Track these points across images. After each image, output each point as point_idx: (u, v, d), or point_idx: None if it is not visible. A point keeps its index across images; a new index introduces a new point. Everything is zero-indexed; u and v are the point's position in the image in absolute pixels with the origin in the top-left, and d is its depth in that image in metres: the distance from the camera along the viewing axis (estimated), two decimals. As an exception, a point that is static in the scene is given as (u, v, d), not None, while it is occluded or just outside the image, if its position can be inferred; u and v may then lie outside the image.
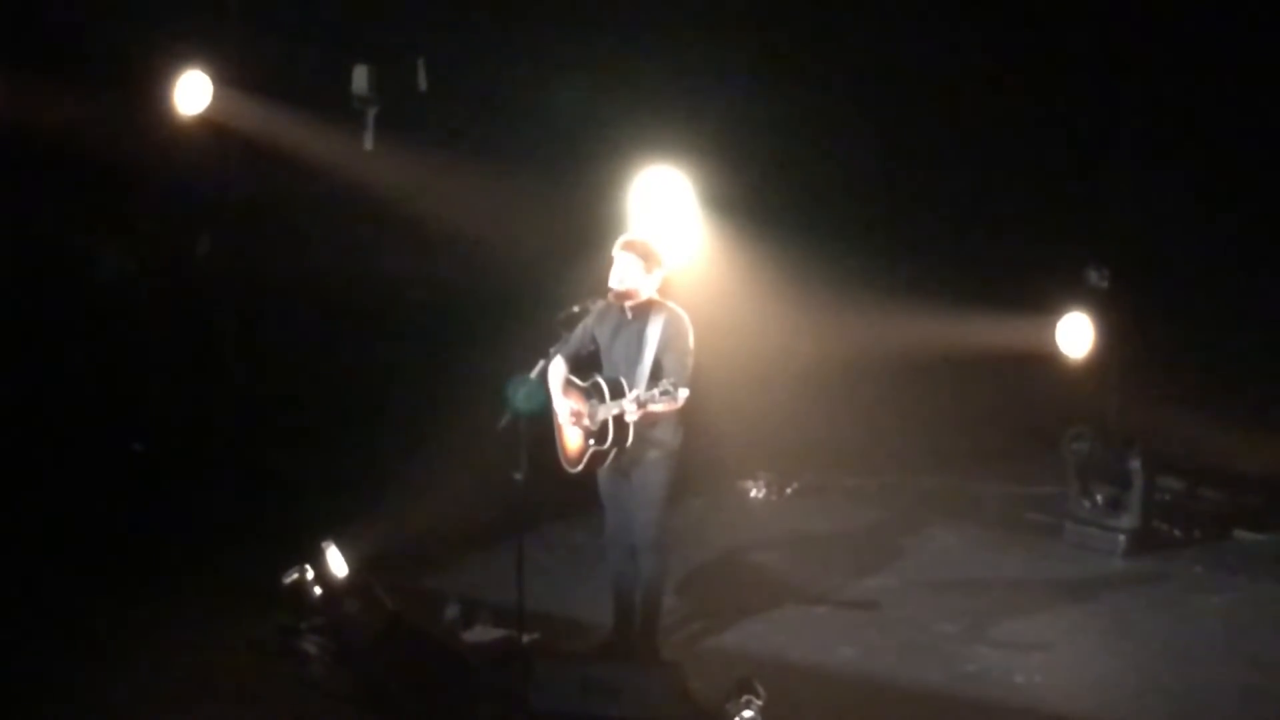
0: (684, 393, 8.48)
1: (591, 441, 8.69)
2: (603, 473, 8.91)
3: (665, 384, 8.37)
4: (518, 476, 8.67)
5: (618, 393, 8.59)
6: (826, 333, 12.06)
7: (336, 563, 9.68)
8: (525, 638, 8.90)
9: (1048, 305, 11.38)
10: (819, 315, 12.00)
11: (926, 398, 12.62)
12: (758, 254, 11.71)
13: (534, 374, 8.56)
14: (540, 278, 11.15)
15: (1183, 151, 11.92)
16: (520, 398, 8.51)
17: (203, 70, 11.45)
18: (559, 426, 8.92)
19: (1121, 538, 11.04)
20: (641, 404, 8.46)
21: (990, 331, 11.61)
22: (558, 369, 8.85)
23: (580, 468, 8.84)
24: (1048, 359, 11.37)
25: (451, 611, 9.57)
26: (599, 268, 8.91)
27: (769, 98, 12.29)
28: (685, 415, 8.80)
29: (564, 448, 8.92)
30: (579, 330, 8.87)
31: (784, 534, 11.55)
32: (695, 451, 9.20)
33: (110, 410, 11.76)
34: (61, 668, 8.81)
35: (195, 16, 11.54)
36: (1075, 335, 11.25)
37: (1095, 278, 11.28)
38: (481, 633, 9.39)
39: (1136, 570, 10.84)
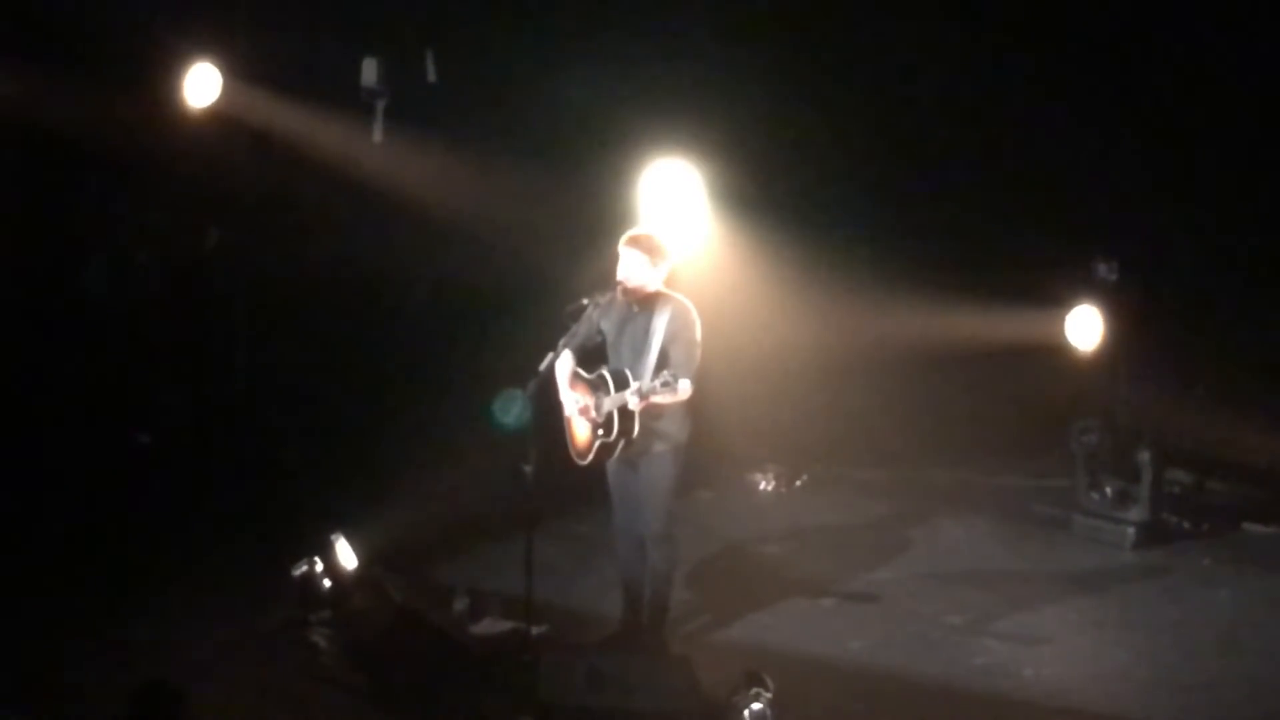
0: (685, 384, 8.48)
1: (599, 433, 8.69)
2: (611, 465, 8.92)
3: (666, 375, 8.37)
4: (526, 468, 8.67)
5: (622, 384, 8.60)
6: (835, 325, 12.05)
7: (345, 555, 9.69)
8: (534, 630, 8.91)
9: (1057, 298, 11.37)
10: (827, 308, 11.99)
11: (935, 390, 12.60)
12: (766, 247, 11.70)
13: (522, 391, 8.56)
14: (549, 270, 11.16)
15: (1192, 143, 11.89)
16: (502, 411, 8.53)
17: (212, 63, 11.47)
18: (567, 418, 8.93)
19: (1130, 530, 11.02)
20: (644, 395, 8.46)
21: (999, 324, 11.59)
22: (565, 361, 8.86)
23: (588, 459, 8.84)
24: (1056, 352, 11.36)
25: (460, 604, 9.58)
26: (608, 260, 8.91)
27: (777, 91, 12.28)
28: (693, 407, 8.80)
29: (572, 439, 8.93)
30: (586, 322, 8.86)
31: (792, 526, 11.54)
32: (704, 444, 9.21)
33: (117, 402, 11.79)
34: (67, 661, 8.82)
35: (204, 10, 11.56)
36: (1084, 328, 11.23)
37: (1104, 270, 11.26)
38: (490, 625, 9.40)
39: (1145, 563, 10.82)
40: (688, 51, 12.11)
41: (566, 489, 9.40)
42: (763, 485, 12.41)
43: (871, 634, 9.56)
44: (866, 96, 12.45)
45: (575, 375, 8.87)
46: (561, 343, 8.77)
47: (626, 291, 8.73)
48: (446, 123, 12.08)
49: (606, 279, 8.82)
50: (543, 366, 8.62)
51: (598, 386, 8.73)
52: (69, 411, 11.49)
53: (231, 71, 11.55)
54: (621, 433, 8.64)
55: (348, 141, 11.99)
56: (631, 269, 8.72)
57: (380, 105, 12.16)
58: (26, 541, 10.21)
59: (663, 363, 8.58)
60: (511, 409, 8.53)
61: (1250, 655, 9.28)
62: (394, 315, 12.39)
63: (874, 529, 11.48)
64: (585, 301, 8.82)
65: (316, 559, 9.60)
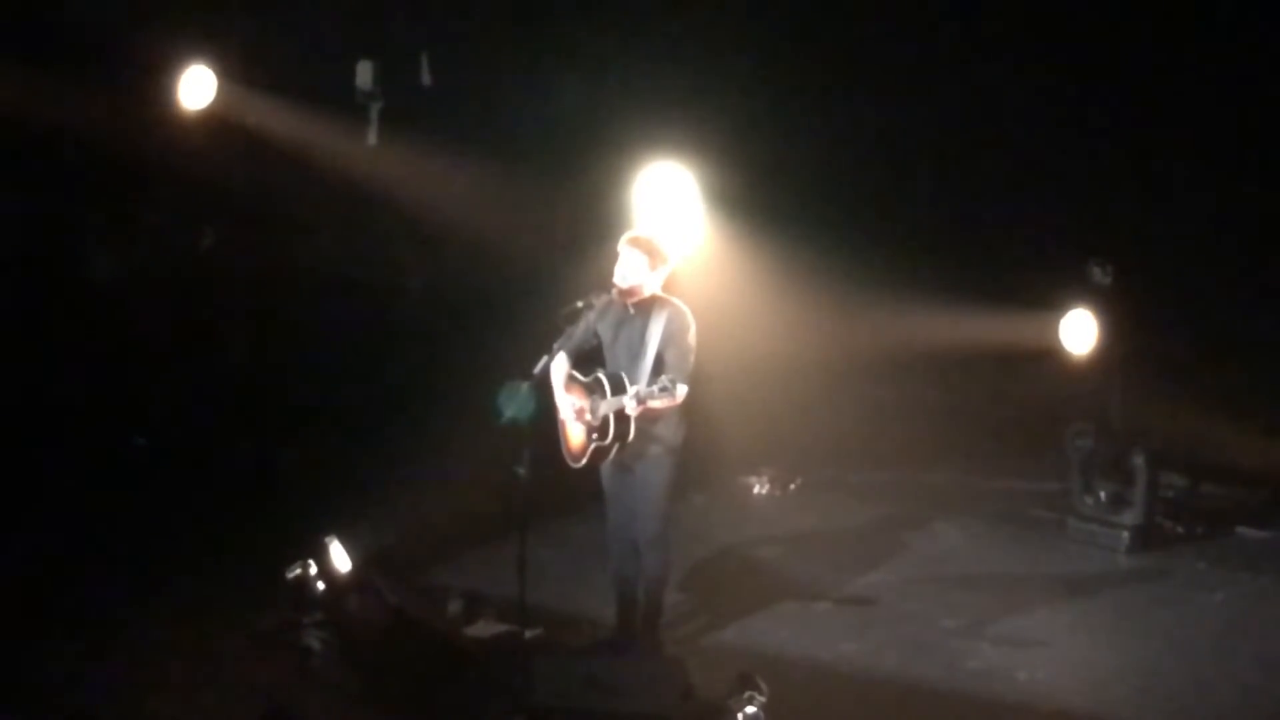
0: (683, 389, 8.51)
1: (594, 436, 8.69)
2: (605, 468, 8.91)
3: (664, 380, 8.39)
4: (521, 471, 8.67)
5: (619, 388, 8.59)
6: (830, 329, 12.06)
7: (339, 558, 9.68)
8: (528, 633, 8.89)
9: (1051, 301, 11.38)
10: (822, 311, 12.00)
11: (930, 394, 12.62)
12: (761, 250, 11.71)
13: (527, 382, 8.55)
14: (544, 273, 11.16)
15: (1187, 147, 11.91)
16: (507, 403, 8.52)
17: (207, 65, 11.48)
18: (562, 421, 8.92)
19: (1125, 534, 11.03)
20: (641, 400, 8.46)
21: (994, 328, 11.61)
22: (560, 364, 8.85)
23: (583, 463, 8.84)
24: (1051, 355, 11.37)
25: (454, 606, 9.59)
26: (603, 263, 8.91)
27: (773, 94, 12.29)
28: (688, 411, 8.80)
29: (567, 442, 8.93)
30: (582, 325, 8.85)
31: (787, 530, 11.54)
32: (698, 447, 9.20)
33: (113, 405, 11.79)
34: (65, 661, 8.82)
35: (200, 12, 11.57)
36: (1078, 332, 11.25)
37: (1098, 274, 11.27)
38: (484, 628, 9.40)
39: (1139, 567, 10.83)
40: (682, 55, 12.11)
41: (561, 492, 9.41)
42: (757, 489, 12.41)
43: (865, 637, 9.56)
44: (861, 100, 12.46)
45: (570, 378, 8.87)
46: (556, 345, 8.76)
47: (621, 293, 8.72)
48: (441, 126, 12.08)
49: (603, 282, 8.82)
50: (537, 369, 8.62)
51: (593, 390, 8.73)
52: (66, 414, 11.48)
53: (227, 74, 11.56)
54: (617, 436, 8.63)
55: (343, 144, 11.99)
56: (629, 269, 8.70)
57: (375, 108, 12.17)
58: (22, 543, 10.20)
59: (658, 367, 8.58)
60: (516, 400, 8.51)
61: (1244, 659, 9.28)
62: (388, 317, 12.39)
63: (868, 532, 11.48)
64: (580, 304, 8.81)
65: (310, 561, 9.60)
